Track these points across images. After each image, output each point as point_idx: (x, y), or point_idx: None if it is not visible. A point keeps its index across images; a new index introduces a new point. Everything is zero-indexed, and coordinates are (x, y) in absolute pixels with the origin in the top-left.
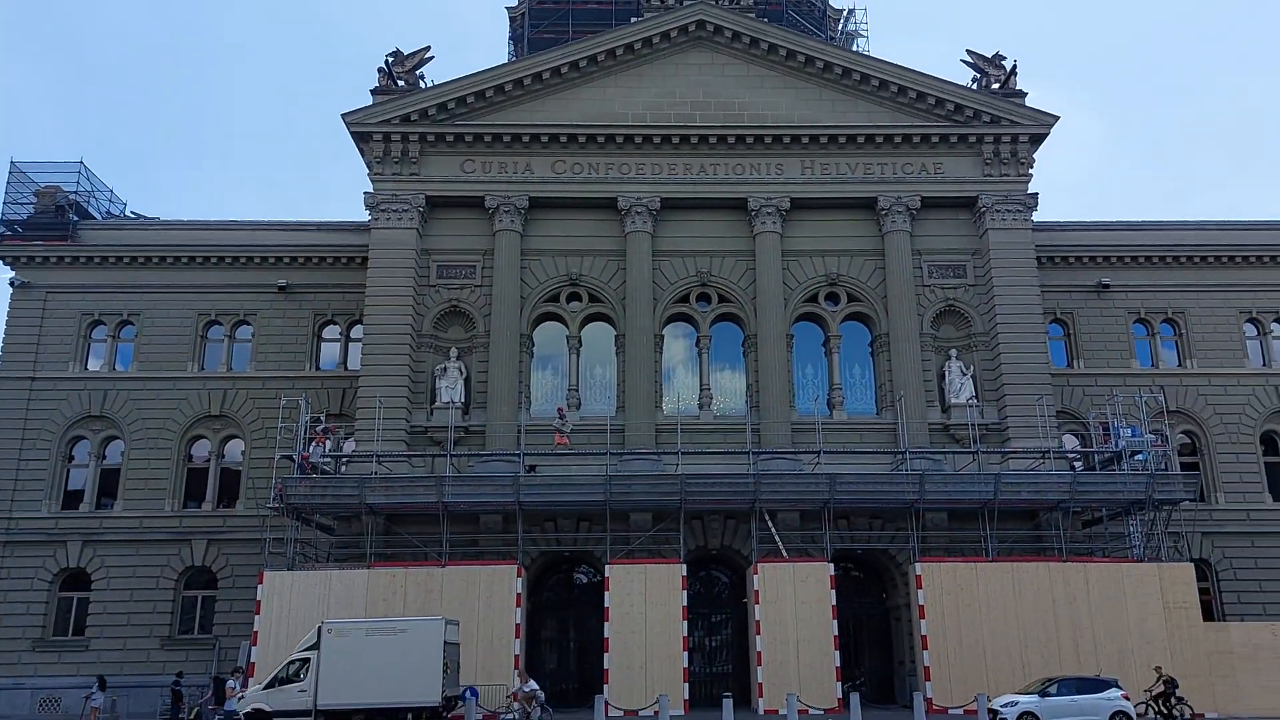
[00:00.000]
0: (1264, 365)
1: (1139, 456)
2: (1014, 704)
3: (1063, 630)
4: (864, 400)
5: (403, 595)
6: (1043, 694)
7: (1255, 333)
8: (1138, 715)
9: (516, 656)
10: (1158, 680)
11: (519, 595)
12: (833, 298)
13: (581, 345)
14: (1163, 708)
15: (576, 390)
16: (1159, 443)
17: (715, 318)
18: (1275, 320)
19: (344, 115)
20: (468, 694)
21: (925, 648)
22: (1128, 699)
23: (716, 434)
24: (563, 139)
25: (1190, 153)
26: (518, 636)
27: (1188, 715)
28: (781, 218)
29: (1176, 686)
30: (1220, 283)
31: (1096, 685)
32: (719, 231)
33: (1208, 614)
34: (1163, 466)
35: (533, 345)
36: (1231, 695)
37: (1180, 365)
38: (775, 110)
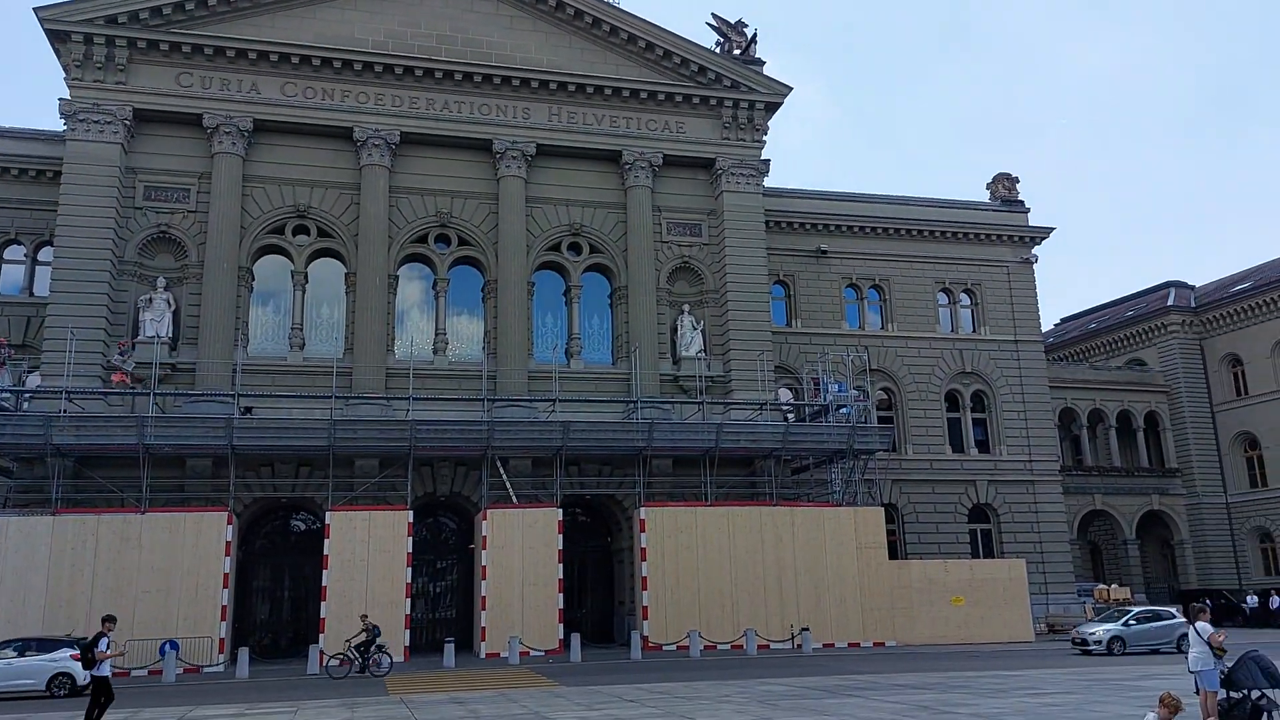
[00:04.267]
0: (952, 331)
1: (843, 410)
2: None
3: (769, 569)
4: (601, 350)
5: (94, 544)
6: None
7: (946, 301)
8: (340, 662)
9: (224, 607)
10: (361, 630)
11: (229, 543)
12: (575, 248)
13: (308, 281)
14: (360, 655)
15: (301, 329)
16: (861, 398)
17: (454, 260)
18: (964, 291)
19: (38, 10)
20: (167, 647)
21: (645, 588)
22: (77, 659)
23: (451, 380)
24: (294, 60)
25: (908, 131)
26: (225, 586)
27: (385, 664)
28: (527, 163)
29: (379, 634)
30: (920, 254)
31: (50, 646)
32: (462, 172)
33: (893, 553)
34: (863, 420)
35: (253, 279)
36: (908, 625)
37: (883, 328)
38: (524, 53)
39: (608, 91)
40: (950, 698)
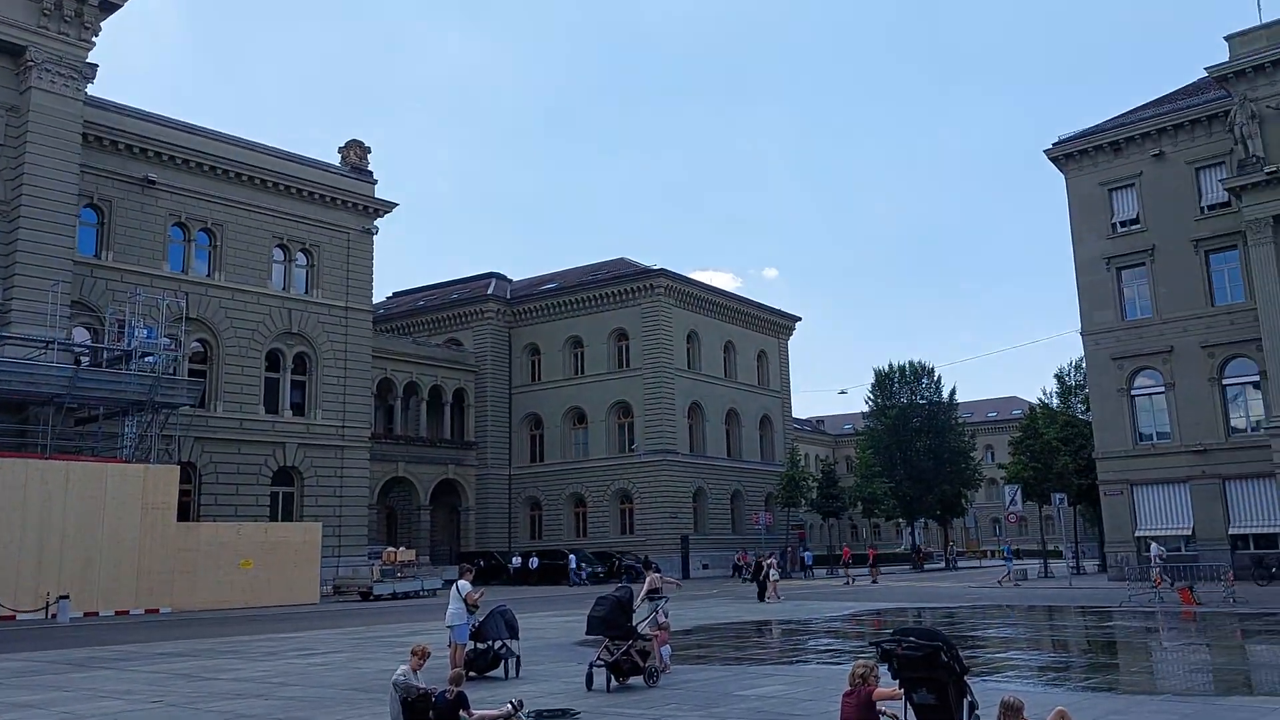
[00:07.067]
0: (284, 289)
1: (150, 359)
2: None
3: (30, 530)
4: None
5: None
6: None
7: (283, 258)
8: None
9: None
10: None
11: None
12: None
13: None
14: None
15: None
16: (172, 347)
17: None
18: (301, 250)
19: None
20: None
21: None
22: None
23: None
24: None
25: (269, 83)
26: None
27: None
28: None
29: None
30: (260, 205)
31: None
32: None
33: (187, 514)
34: (171, 371)
35: None
36: (190, 590)
37: (210, 275)
38: None
39: None
40: (217, 663)
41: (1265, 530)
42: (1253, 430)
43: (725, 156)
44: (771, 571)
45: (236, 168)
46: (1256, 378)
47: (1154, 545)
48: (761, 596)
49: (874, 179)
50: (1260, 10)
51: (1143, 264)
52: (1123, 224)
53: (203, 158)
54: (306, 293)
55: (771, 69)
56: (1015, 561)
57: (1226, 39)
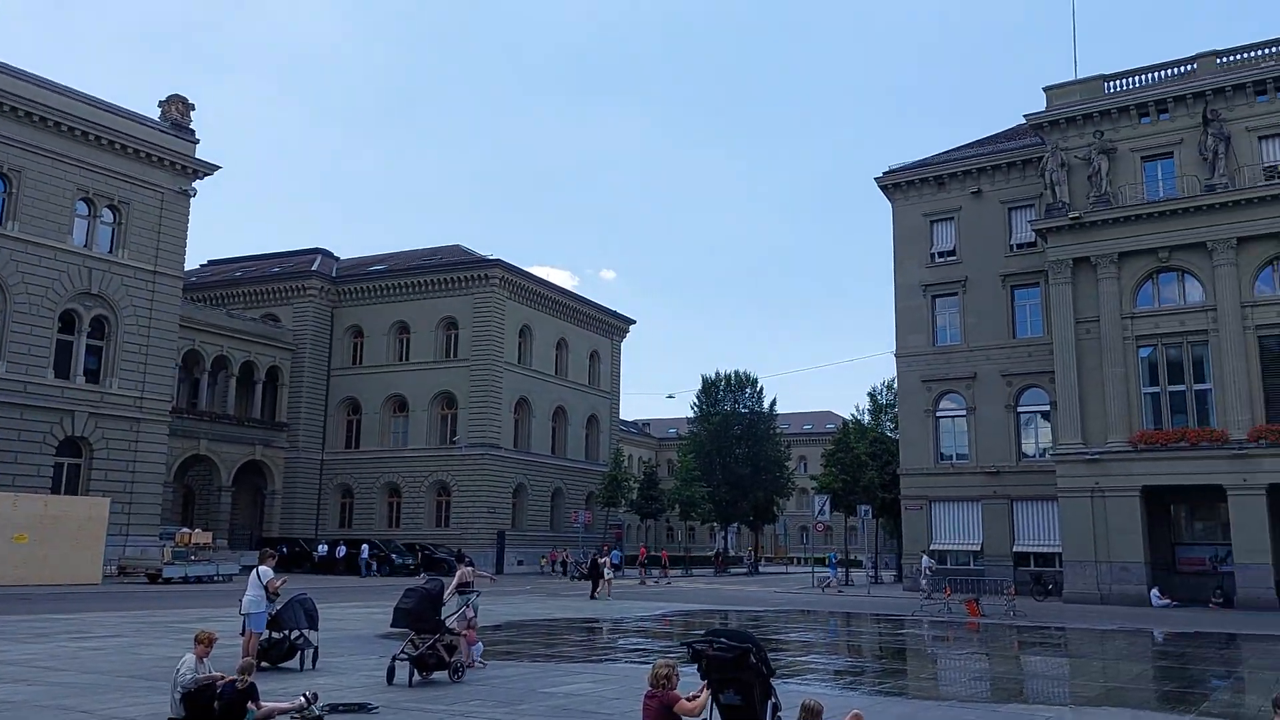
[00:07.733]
0: (85, 246)
1: None
2: None
3: None
4: None
5: None
6: None
7: (87, 212)
8: None
9: None
10: None
11: None
12: None
13: None
14: None
15: None
16: None
17: None
18: (109, 206)
19: None
20: None
21: None
22: None
23: None
24: None
25: (100, 30)
26: None
27: None
28: None
29: None
30: (64, 154)
31: None
32: None
33: None
34: None
35: None
36: None
37: (2, 224)
38: None
39: None
40: None
41: (1045, 550)
42: (1040, 456)
43: (570, 156)
44: (606, 570)
45: (40, 110)
46: (1047, 408)
47: (925, 558)
48: (594, 593)
49: (717, 191)
50: (1076, 66)
51: (955, 294)
52: (940, 255)
53: (2, 96)
54: (111, 252)
55: (624, 75)
56: (822, 569)
57: (1045, 90)
